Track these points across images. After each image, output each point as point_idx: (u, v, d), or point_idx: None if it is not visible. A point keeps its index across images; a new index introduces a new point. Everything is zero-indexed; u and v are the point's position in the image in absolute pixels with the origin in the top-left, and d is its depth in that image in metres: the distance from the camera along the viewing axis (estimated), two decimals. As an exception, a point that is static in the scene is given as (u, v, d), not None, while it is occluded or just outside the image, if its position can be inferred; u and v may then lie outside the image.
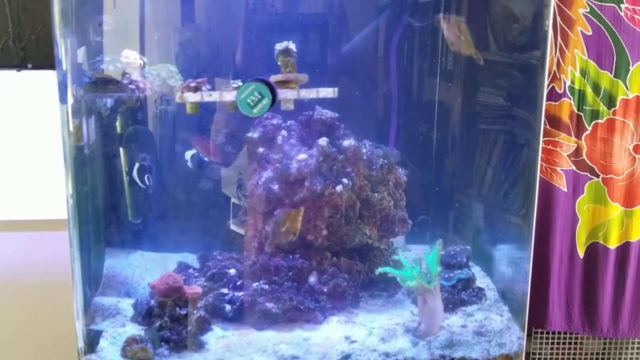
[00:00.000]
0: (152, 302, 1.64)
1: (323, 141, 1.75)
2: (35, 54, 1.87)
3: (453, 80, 1.98)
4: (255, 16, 1.78)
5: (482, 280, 1.89)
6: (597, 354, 2.23)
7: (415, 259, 1.66)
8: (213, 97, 1.57)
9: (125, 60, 1.70)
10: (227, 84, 1.59)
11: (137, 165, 1.79)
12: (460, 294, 1.78)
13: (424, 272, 1.63)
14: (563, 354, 2.23)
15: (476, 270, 1.90)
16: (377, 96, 1.97)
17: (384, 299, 1.82)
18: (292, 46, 1.57)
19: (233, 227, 1.90)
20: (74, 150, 1.65)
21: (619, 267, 2.05)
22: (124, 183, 1.87)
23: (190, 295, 1.62)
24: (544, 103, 1.74)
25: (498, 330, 1.68)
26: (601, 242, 2.04)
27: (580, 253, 2.05)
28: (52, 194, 1.76)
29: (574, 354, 2.23)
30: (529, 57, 1.79)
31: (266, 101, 1.48)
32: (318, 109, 1.80)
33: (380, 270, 1.65)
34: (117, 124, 1.85)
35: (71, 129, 1.62)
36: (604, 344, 2.22)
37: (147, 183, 1.80)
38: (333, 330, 1.67)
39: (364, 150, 1.81)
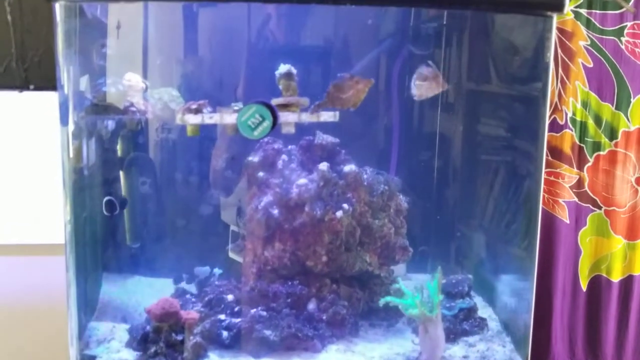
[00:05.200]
0: (148, 327, 1.60)
1: (324, 166, 1.74)
2: (37, 75, 1.87)
3: (454, 110, 1.98)
4: (257, 42, 1.79)
5: (483, 311, 1.86)
6: (601, 390, 2.18)
7: (417, 287, 1.63)
8: (214, 119, 1.56)
9: (128, 83, 1.71)
10: (228, 107, 1.59)
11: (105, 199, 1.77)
12: (462, 324, 1.75)
13: (425, 301, 1.60)
14: (566, 389, 2.18)
15: (477, 300, 1.87)
16: (378, 123, 1.97)
17: (384, 328, 1.79)
18: (294, 70, 1.57)
19: (231, 254, 1.88)
20: (73, 174, 1.64)
21: (622, 300, 2.04)
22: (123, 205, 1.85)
23: (187, 321, 1.58)
24: (546, 135, 1.73)
25: (500, 361, 1.65)
26: (604, 275, 2.03)
27: (583, 286, 2.03)
28: (52, 218, 1.74)
29: (577, 389, 2.18)
30: (530, 89, 1.80)
31: (267, 123, 1.47)
32: (319, 134, 1.80)
33: (383, 300, 1.62)
34: (118, 147, 1.84)
35: (71, 152, 1.62)
36: (608, 378, 2.17)
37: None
38: (332, 359, 1.63)
39: (365, 176, 1.80)
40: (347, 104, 1.60)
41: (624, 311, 2.04)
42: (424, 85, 1.69)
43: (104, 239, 1.86)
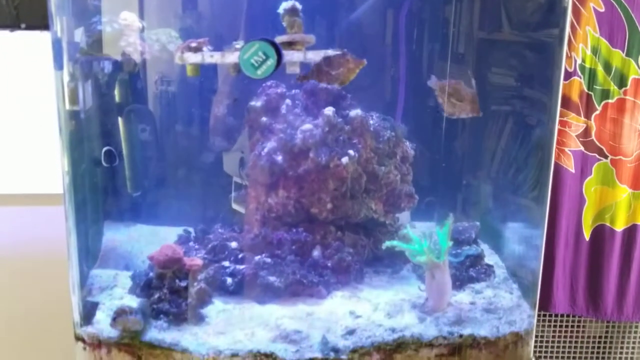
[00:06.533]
0: (151, 274, 1.58)
1: (329, 111, 1.69)
2: (29, 13, 1.79)
3: (465, 55, 1.92)
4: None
5: (490, 258, 1.85)
6: (600, 337, 2.22)
7: (425, 233, 1.61)
8: (215, 58, 1.50)
9: (124, 22, 1.63)
10: (229, 46, 1.52)
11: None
12: (468, 271, 1.74)
13: (432, 247, 1.58)
14: (565, 336, 2.21)
15: (484, 248, 1.86)
16: (386, 67, 1.91)
17: (389, 275, 1.78)
18: (299, 5, 1.50)
19: (234, 206, 1.84)
20: (70, 121, 1.59)
21: (625, 250, 2.04)
22: (123, 155, 1.80)
23: (190, 267, 1.56)
24: (561, 82, 1.69)
25: (508, 307, 1.64)
26: (608, 224, 2.03)
27: (586, 235, 2.03)
28: (50, 164, 1.69)
29: (577, 337, 2.21)
30: (544, 35, 1.74)
31: (271, 62, 1.41)
32: (324, 77, 1.74)
33: (387, 243, 1.60)
34: (116, 92, 1.78)
35: (67, 96, 1.56)
36: (607, 327, 2.21)
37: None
38: (337, 305, 1.62)
39: (371, 122, 1.75)
40: (335, 81, 1.57)
41: (626, 260, 2.04)
42: (458, 105, 1.65)
43: (104, 187, 1.82)
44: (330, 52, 1.50)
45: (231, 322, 1.54)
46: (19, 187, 1.99)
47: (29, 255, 2.04)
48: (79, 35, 1.61)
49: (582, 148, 1.97)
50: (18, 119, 1.93)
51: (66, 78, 1.56)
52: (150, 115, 1.85)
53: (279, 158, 1.71)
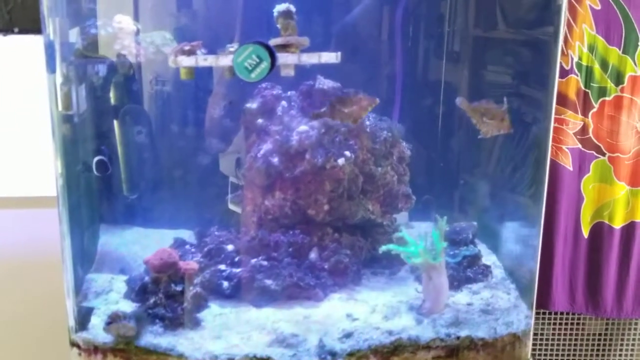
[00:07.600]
0: (147, 278, 1.57)
1: (325, 112, 1.68)
2: (22, 17, 1.79)
3: (461, 54, 1.91)
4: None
5: (487, 258, 1.85)
6: (599, 334, 2.21)
7: (420, 235, 1.61)
8: (208, 61, 1.49)
9: (118, 25, 1.62)
10: (223, 49, 1.51)
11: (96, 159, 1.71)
12: (465, 271, 1.73)
13: (428, 248, 1.58)
14: (565, 334, 2.21)
15: (481, 247, 1.85)
16: (382, 67, 1.90)
17: (387, 277, 1.77)
18: (293, 8, 1.49)
19: (231, 206, 1.84)
20: (63, 124, 1.58)
21: (624, 247, 2.04)
22: (119, 157, 1.80)
23: (186, 271, 1.55)
24: (557, 80, 1.68)
25: (505, 308, 1.64)
26: (606, 221, 2.02)
27: (585, 233, 2.02)
28: (43, 167, 1.68)
29: (576, 334, 2.21)
30: (540, 33, 1.73)
31: (265, 65, 1.40)
32: (320, 78, 1.74)
33: (383, 248, 1.59)
34: (111, 95, 1.77)
35: (59, 100, 1.55)
36: (606, 324, 2.20)
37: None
38: (334, 308, 1.62)
39: (368, 123, 1.75)
40: (348, 119, 1.61)
41: (625, 257, 2.04)
42: (491, 124, 1.65)
43: (99, 190, 1.81)
44: (324, 55, 1.48)
45: (227, 326, 1.54)
46: (12, 190, 1.98)
47: (23, 259, 2.04)
48: (72, 37, 1.60)
49: (579, 145, 1.96)
50: (11, 122, 1.92)
51: (59, 81, 1.55)
52: (145, 117, 1.85)
53: (275, 160, 1.70)
